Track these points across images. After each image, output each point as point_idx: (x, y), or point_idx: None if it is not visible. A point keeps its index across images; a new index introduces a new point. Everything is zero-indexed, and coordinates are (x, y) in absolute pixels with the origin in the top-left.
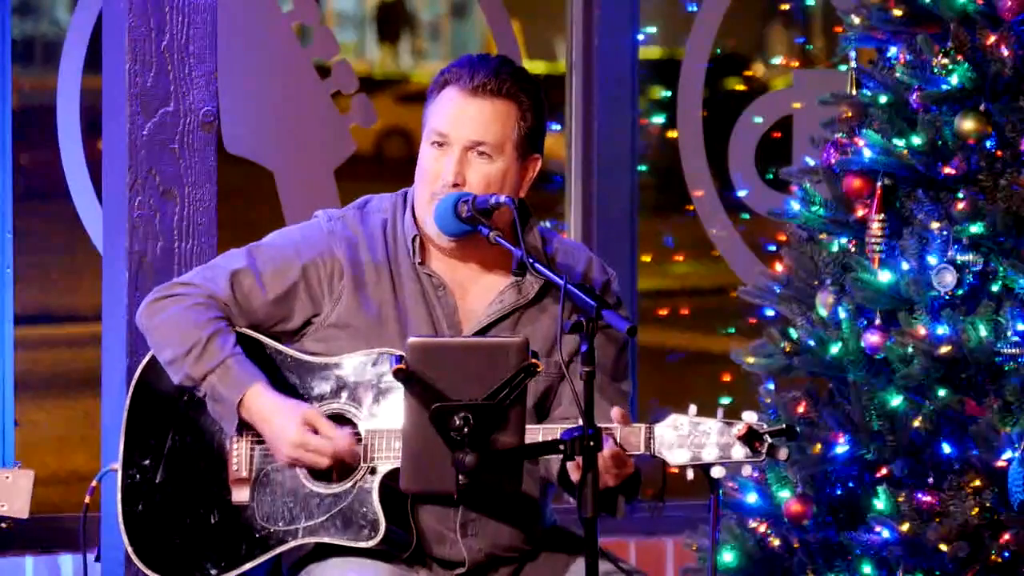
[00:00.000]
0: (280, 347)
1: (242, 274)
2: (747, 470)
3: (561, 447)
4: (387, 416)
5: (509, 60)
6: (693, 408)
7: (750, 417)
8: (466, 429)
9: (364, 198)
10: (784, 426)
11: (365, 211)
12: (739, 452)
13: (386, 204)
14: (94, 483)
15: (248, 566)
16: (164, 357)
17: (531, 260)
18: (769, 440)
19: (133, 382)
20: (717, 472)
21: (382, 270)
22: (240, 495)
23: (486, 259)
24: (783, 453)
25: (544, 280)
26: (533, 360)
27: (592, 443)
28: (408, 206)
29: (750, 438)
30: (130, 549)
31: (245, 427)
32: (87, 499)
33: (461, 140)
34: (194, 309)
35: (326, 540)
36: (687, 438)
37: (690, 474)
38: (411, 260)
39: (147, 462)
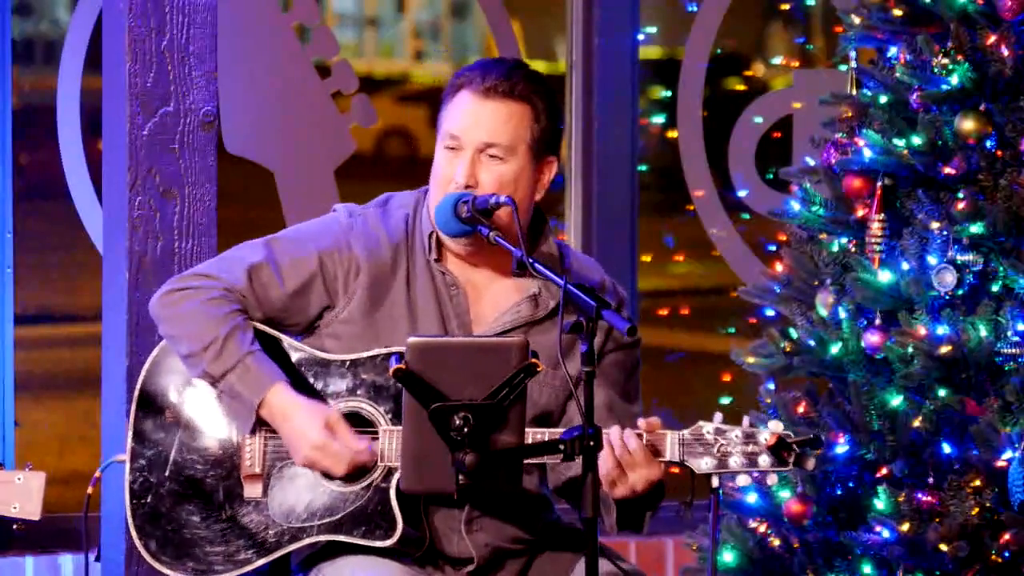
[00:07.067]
0: (297, 343)
1: (260, 267)
2: (772, 479)
3: (561, 447)
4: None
5: (523, 63)
6: (719, 416)
7: (776, 426)
8: (466, 429)
9: (385, 195)
10: (812, 436)
11: (386, 209)
12: (766, 461)
13: (408, 200)
14: (98, 473)
15: (260, 563)
16: (180, 351)
17: (531, 260)
18: (797, 450)
19: (143, 373)
20: (743, 480)
21: (399, 266)
22: (253, 490)
23: (501, 265)
24: (811, 463)
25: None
26: (533, 360)
27: (592, 443)
28: (426, 204)
29: (778, 448)
30: (139, 543)
31: (261, 424)
32: (90, 489)
33: (473, 142)
34: (211, 304)
35: (341, 539)
36: (713, 446)
37: (715, 481)
38: (426, 257)
39: (155, 454)
